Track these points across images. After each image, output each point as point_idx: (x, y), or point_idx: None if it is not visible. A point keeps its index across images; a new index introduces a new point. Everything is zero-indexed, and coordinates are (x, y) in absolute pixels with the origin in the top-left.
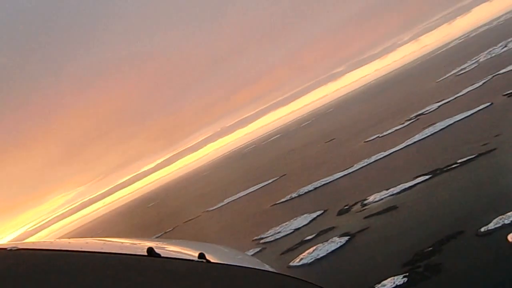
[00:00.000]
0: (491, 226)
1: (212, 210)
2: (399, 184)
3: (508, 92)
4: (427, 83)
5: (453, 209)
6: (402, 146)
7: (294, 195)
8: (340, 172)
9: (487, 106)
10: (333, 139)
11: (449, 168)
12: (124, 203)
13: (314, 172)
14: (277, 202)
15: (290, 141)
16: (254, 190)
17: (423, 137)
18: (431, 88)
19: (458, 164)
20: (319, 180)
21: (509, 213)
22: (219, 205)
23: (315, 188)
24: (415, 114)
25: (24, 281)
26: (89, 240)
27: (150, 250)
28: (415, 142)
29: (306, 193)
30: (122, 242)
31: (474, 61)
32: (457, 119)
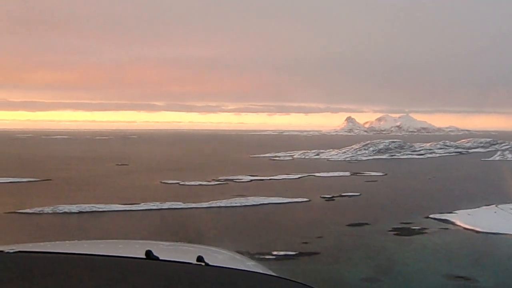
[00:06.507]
0: None
1: None
2: None
3: (326, 195)
4: (241, 154)
5: None
6: (205, 206)
7: (46, 209)
8: (124, 204)
9: (306, 201)
10: (127, 165)
11: (262, 258)
12: None
13: (88, 193)
14: (17, 211)
15: (76, 147)
16: None
17: (231, 205)
18: (245, 160)
19: (274, 257)
20: (90, 204)
21: None
22: None
23: (80, 212)
24: (224, 178)
25: (22, 284)
26: (88, 242)
27: (149, 253)
28: (221, 207)
29: (65, 213)
30: (120, 245)
31: (288, 155)
32: (273, 202)
